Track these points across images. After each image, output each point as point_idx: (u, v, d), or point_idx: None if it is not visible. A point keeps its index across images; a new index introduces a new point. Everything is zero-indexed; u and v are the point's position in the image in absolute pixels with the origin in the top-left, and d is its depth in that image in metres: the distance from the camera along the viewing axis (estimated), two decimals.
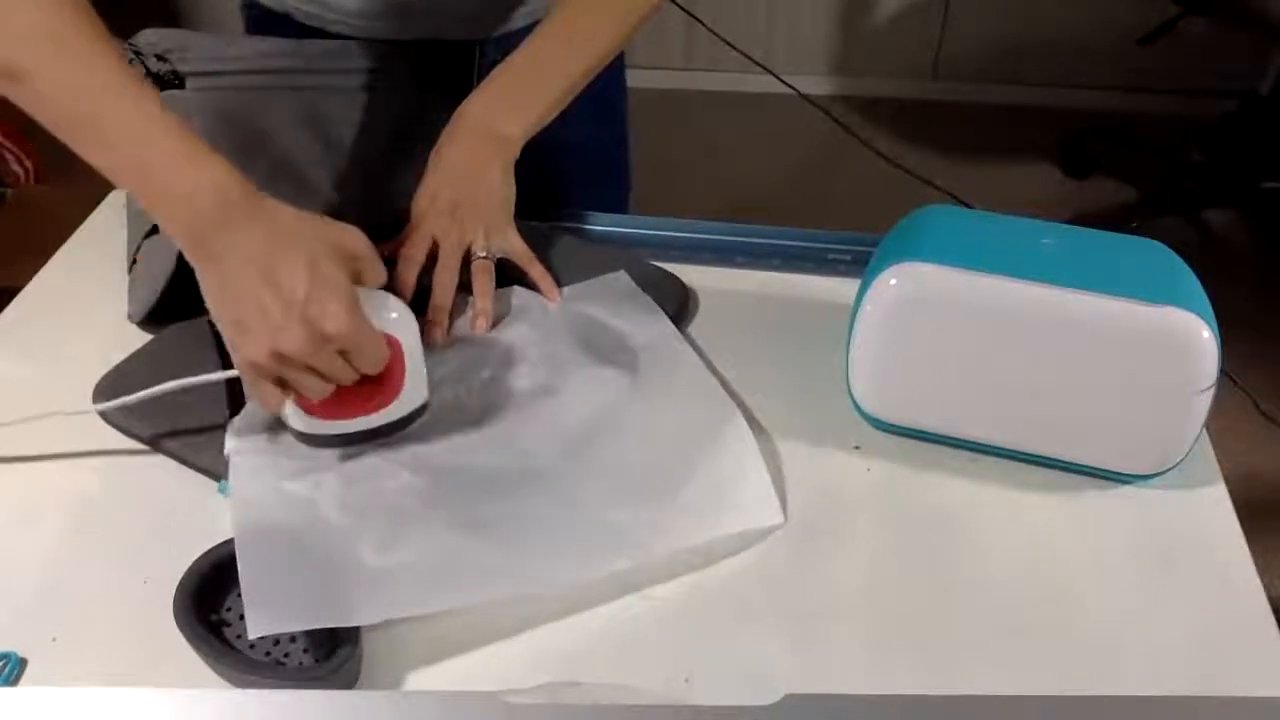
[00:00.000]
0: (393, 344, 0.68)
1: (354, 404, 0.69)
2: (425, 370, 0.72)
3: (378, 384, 0.69)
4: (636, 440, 0.74)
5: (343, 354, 0.65)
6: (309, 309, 0.63)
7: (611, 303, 0.85)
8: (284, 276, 0.63)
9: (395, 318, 0.69)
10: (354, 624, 0.60)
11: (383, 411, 0.70)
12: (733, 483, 0.71)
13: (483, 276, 0.82)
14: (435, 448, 0.72)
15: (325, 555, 0.64)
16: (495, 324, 0.81)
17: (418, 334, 0.70)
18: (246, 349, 0.64)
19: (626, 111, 1.12)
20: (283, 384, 0.66)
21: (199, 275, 0.65)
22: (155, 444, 0.73)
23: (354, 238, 0.68)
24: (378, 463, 0.70)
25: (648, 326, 0.83)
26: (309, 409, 0.68)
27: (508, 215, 0.84)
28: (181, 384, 0.71)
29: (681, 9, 1.22)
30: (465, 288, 0.82)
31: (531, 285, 0.85)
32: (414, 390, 0.71)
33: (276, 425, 0.72)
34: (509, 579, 0.64)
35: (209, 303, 0.65)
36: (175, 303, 0.80)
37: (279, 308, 0.62)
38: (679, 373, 0.80)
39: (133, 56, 0.86)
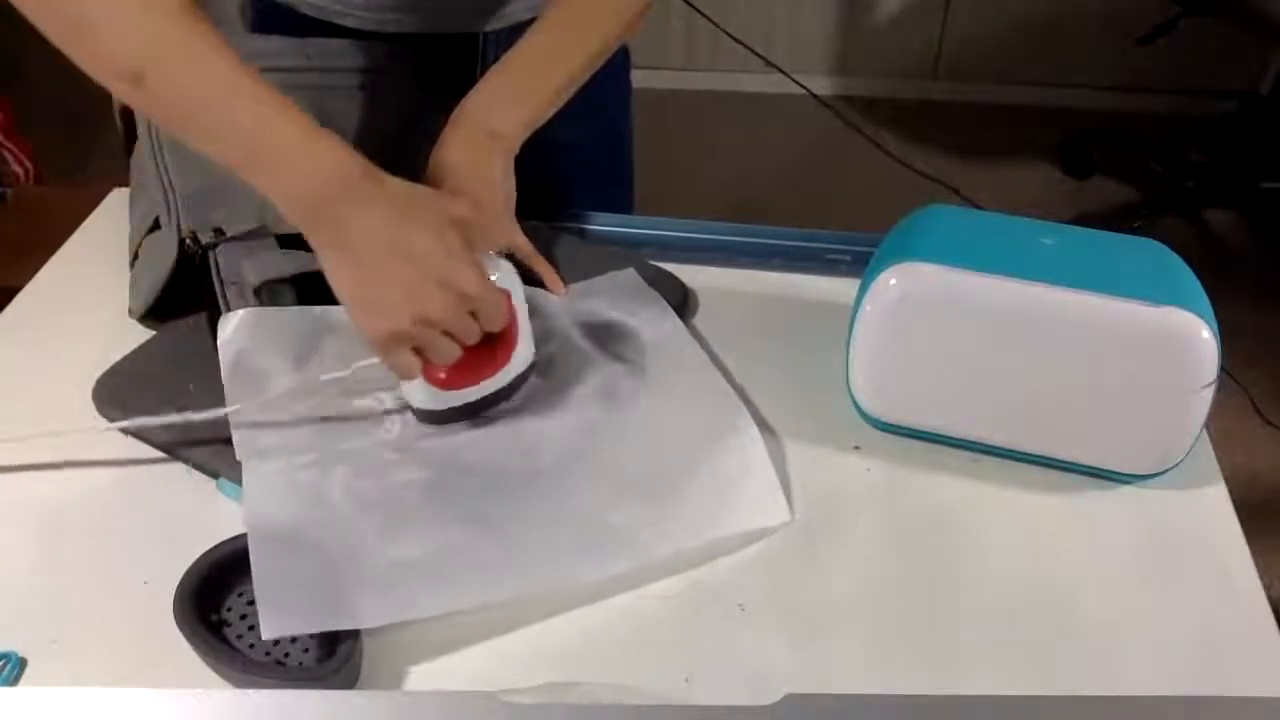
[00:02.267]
0: (506, 299, 0.71)
1: (478, 368, 0.72)
2: (530, 328, 0.74)
3: (496, 344, 0.72)
4: (643, 438, 0.74)
5: (472, 314, 0.68)
6: (446, 275, 0.66)
7: (619, 299, 0.85)
8: (417, 248, 0.66)
9: (504, 275, 0.71)
10: (362, 626, 0.61)
11: (503, 371, 0.73)
12: (739, 481, 0.71)
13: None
14: (442, 444, 0.72)
15: (334, 553, 0.64)
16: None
17: (523, 291, 0.73)
18: (388, 320, 0.66)
19: (630, 112, 1.12)
20: (416, 353, 0.69)
21: (324, 258, 0.67)
22: (154, 442, 0.73)
23: (459, 204, 0.71)
24: (386, 457, 0.71)
25: (656, 323, 0.83)
26: (437, 382, 0.71)
27: (509, 212, 0.84)
28: (203, 416, 0.71)
29: (689, 4, 1.22)
30: None
31: (535, 281, 0.85)
32: (525, 347, 0.74)
33: (281, 422, 0.72)
34: (512, 579, 0.64)
35: (336, 284, 0.67)
36: (176, 297, 0.80)
37: (419, 277, 0.66)
38: (686, 371, 0.80)
39: None
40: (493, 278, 0.70)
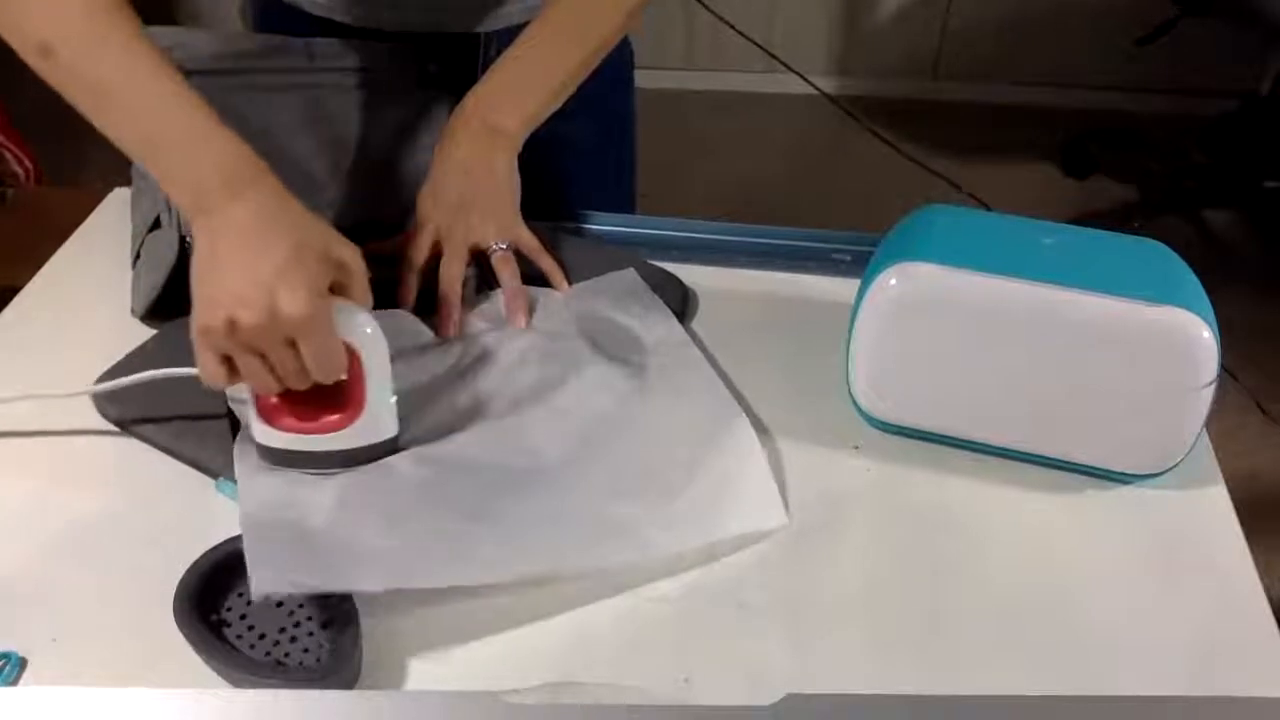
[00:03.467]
0: (354, 358, 0.66)
1: (312, 419, 0.67)
2: (394, 403, 0.69)
3: (338, 402, 0.67)
4: (642, 439, 0.74)
5: (296, 351, 0.64)
6: (273, 286, 0.62)
7: (620, 300, 0.85)
8: (262, 251, 0.63)
9: (366, 333, 0.66)
10: (356, 590, 0.60)
11: (343, 433, 0.67)
12: (736, 485, 0.71)
13: (505, 269, 0.83)
14: (443, 441, 0.72)
15: (329, 535, 0.64)
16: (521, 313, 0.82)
17: (387, 361, 0.67)
18: (203, 315, 0.64)
19: (633, 112, 1.12)
20: (231, 366, 0.65)
21: (195, 246, 0.66)
22: (154, 441, 0.73)
23: (350, 251, 0.67)
24: (386, 456, 0.71)
25: (656, 325, 0.83)
26: (268, 415, 0.67)
27: (514, 207, 0.84)
28: (177, 372, 0.71)
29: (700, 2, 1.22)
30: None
31: (538, 278, 0.85)
32: (379, 419, 0.68)
33: None
34: (509, 563, 0.64)
35: (192, 270, 0.66)
36: (178, 296, 0.80)
37: (247, 279, 0.63)
38: (686, 373, 0.80)
39: None
40: (361, 331, 0.66)
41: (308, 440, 0.68)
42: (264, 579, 0.58)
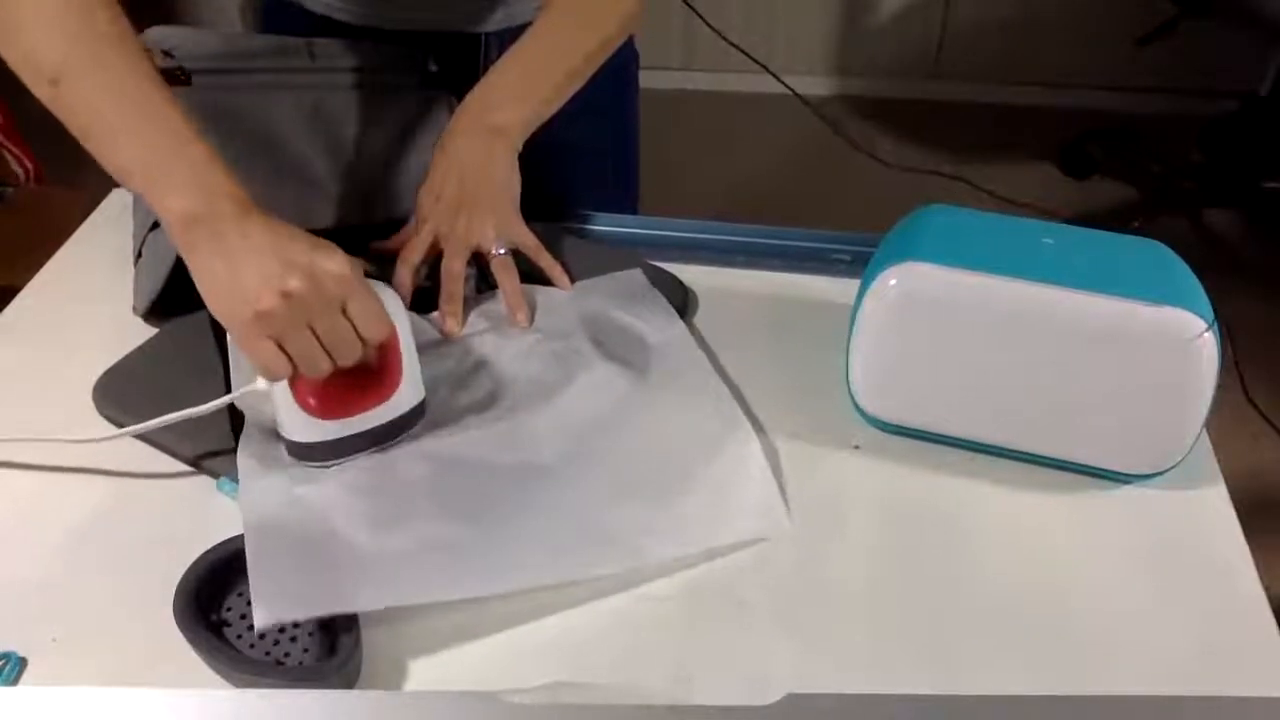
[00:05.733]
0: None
1: (353, 400, 0.69)
2: (419, 369, 0.71)
3: (376, 378, 0.69)
4: (643, 442, 0.74)
5: (346, 318, 0.65)
6: (309, 257, 0.64)
7: (625, 300, 0.85)
8: (284, 244, 0.64)
9: (392, 301, 0.69)
10: (355, 610, 0.61)
11: (382, 408, 0.69)
12: (737, 491, 0.71)
13: (505, 272, 0.82)
14: (444, 441, 0.72)
15: (329, 543, 0.64)
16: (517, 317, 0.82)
17: (410, 330, 0.70)
18: (248, 304, 0.63)
19: (638, 114, 1.12)
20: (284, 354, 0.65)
21: (198, 270, 0.65)
22: (154, 441, 0.73)
23: (345, 256, 0.67)
24: (387, 454, 0.71)
25: (662, 327, 0.83)
26: (307, 407, 0.68)
27: (514, 207, 0.84)
28: (194, 411, 0.70)
29: (688, 5, 1.22)
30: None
31: (539, 277, 0.85)
32: (411, 387, 0.71)
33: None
34: (508, 572, 0.64)
35: (202, 283, 0.65)
36: (178, 294, 0.80)
37: (279, 260, 0.63)
38: (689, 376, 0.80)
39: None
40: (387, 305, 0.67)
41: (351, 423, 0.69)
42: (265, 616, 0.59)
